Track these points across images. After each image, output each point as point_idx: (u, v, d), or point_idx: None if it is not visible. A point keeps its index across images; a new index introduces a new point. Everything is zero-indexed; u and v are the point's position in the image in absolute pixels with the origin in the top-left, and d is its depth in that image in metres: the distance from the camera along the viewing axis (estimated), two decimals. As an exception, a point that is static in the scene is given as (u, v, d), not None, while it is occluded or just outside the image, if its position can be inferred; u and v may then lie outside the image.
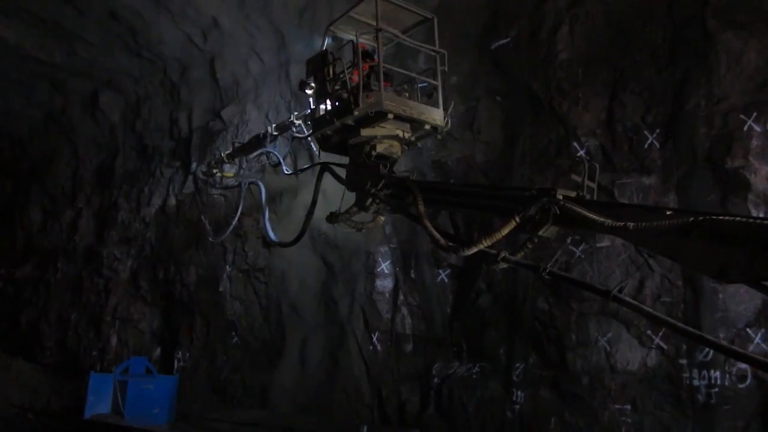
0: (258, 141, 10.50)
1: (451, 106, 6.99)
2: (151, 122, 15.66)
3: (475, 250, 4.85)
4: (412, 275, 10.20)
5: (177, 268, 13.84)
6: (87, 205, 16.91)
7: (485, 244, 4.79)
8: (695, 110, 7.71)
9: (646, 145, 8.12)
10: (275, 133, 10.27)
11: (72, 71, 15.36)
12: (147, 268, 14.68)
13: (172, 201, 14.63)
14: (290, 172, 10.43)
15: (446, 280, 9.86)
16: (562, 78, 9.16)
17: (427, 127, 6.74)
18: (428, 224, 5.30)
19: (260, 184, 10.53)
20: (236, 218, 10.95)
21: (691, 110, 7.75)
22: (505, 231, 4.71)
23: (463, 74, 10.15)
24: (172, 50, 14.15)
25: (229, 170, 12.19)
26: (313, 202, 7.80)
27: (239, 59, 13.69)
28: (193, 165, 14.29)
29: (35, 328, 16.40)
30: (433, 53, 6.88)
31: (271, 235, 9.13)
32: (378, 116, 6.29)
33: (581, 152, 8.75)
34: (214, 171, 11.86)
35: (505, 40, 9.97)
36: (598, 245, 8.17)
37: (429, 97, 7.05)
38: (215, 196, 13.39)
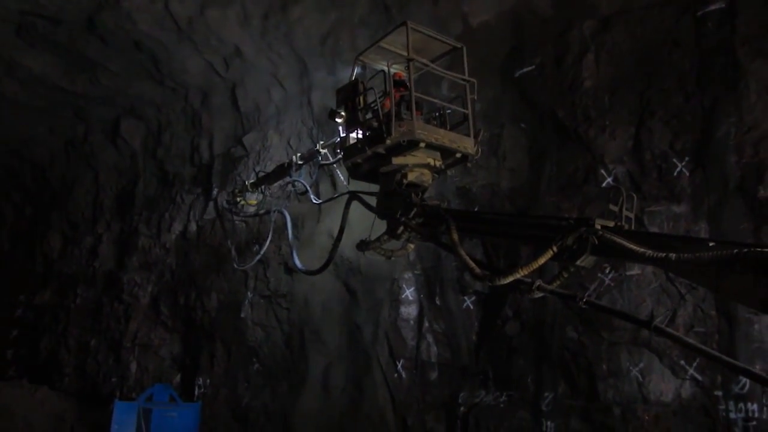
0: (282, 170, 10.63)
1: (481, 133, 7.02)
2: (172, 149, 15.96)
3: (511, 279, 4.86)
4: (437, 302, 10.21)
5: (198, 293, 13.94)
6: (107, 231, 17.17)
7: (522, 274, 4.79)
8: (725, 138, 7.74)
9: (675, 173, 8.15)
10: (300, 162, 10.38)
11: (94, 99, 15.72)
12: (167, 294, 14.81)
13: (193, 227, 14.81)
14: (319, 201, 10.53)
15: (472, 306, 9.85)
16: (588, 105, 9.24)
17: (458, 155, 6.80)
18: (463, 253, 5.32)
19: (285, 212, 10.62)
20: (266, 245, 11.07)
21: (721, 138, 7.77)
22: (543, 260, 4.71)
23: (488, 101, 10.27)
24: (194, 78, 14.45)
25: (251, 198, 12.19)
26: (341, 230, 7.82)
27: (261, 86, 13.95)
28: (214, 191, 14.48)
29: (54, 355, 16.52)
30: (462, 82, 6.94)
31: (298, 263, 9.15)
32: (410, 145, 6.37)
33: (609, 179, 8.79)
34: (238, 199, 12.00)
35: (529, 68, 10.09)
36: (628, 273, 8.14)
37: (458, 125, 7.12)
38: (237, 222, 13.51)
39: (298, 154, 10.40)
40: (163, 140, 16.17)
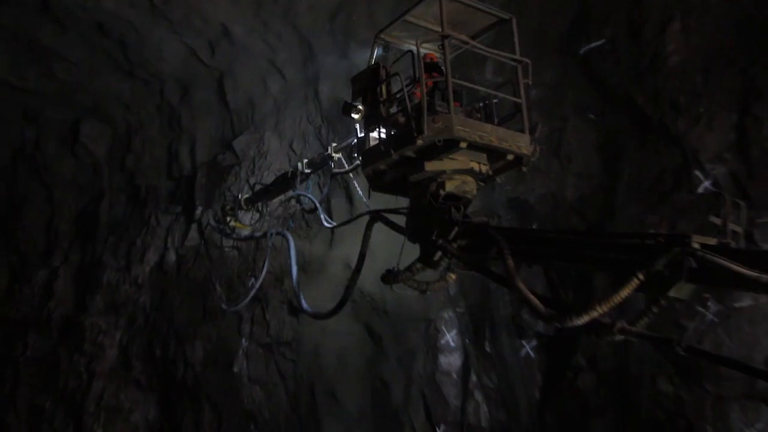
0: (284, 181, 10.63)
1: (539, 128, 6.97)
2: (144, 157, 16.12)
3: (587, 319, 4.69)
4: (487, 348, 10.16)
5: (179, 342, 13.99)
6: (64, 264, 17.30)
7: (600, 311, 4.63)
8: None
9: (794, 173, 8.03)
10: (307, 171, 10.34)
11: (48, 97, 16.05)
12: (140, 343, 14.86)
13: (172, 256, 14.90)
14: (332, 224, 10.32)
15: (532, 354, 9.78)
16: (675, 88, 9.18)
17: (510, 157, 6.71)
18: (522, 286, 5.18)
19: (288, 235, 10.41)
20: (260, 280, 10.96)
21: None
22: (626, 292, 4.55)
23: (546, 87, 10.24)
24: (171, 67, 14.69)
25: (244, 218, 12.26)
26: (361, 258, 7.66)
27: (255, 76, 14.12)
28: (198, 210, 14.57)
29: (1, 422, 16.62)
30: (512, 63, 6.89)
31: (304, 303, 9.06)
32: (447, 145, 6.24)
33: (706, 183, 8.66)
34: (228, 219, 12.02)
35: (597, 42, 10.08)
36: (736, 305, 8.00)
37: (508, 118, 7.03)
38: (226, 249, 13.60)
39: (304, 161, 10.39)
40: (133, 147, 16.35)
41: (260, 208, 11.75)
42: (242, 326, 12.99)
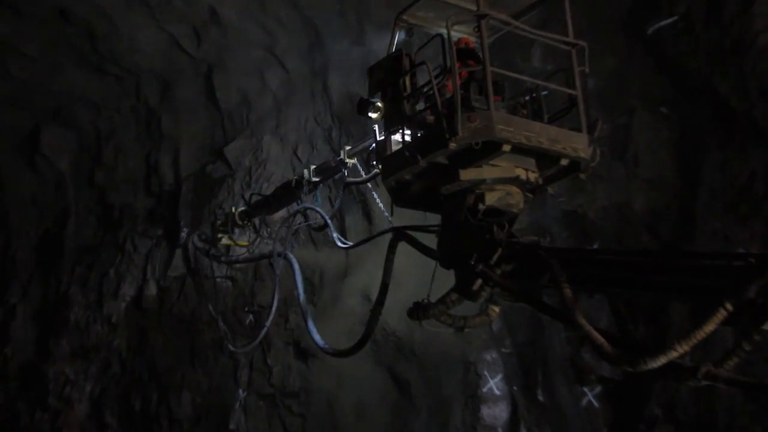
0: (288, 192, 10.64)
1: (599, 126, 6.82)
2: (117, 170, 16.16)
3: (664, 361, 4.67)
4: (540, 397, 10.14)
5: (162, 394, 13.94)
6: (23, 300, 17.33)
7: (680, 351, 4.59)
8: None
9: None
10: (315, 179, 10.34)
11: (0, 99, 15.99)
12: (116, 396, 14.83)
13: (152, 289, 14.88)
14: (348, 244, 10.11)
15: (596, 403, 9.71)
16: (765, 74, 9.08)
17: (564, 161, 6.63)
18: (583, 320, 5.15)
19: (292, 258, 10.48)
20: (272, 314, 10.93)
21: None
22: (711, 327, 4.47)
23: (607, 75, 10.22)
24: (148, 61, 14.77)
25: (240, 237, 12.31)
26: (384, 287, 7.63)
27: (250, 69, 14.16)
28: (183, 233, 14.54)
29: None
30: (565, 47, 6.80)
31: (317, 338, 9.03)
32: (487, 149, 6.15)
33: (808, 190, 8.61)
34: (219, 236, 12.05)
35: (669, 20, 10.05)
36: None
37: (561, 114, 6.96)
38: (219, 279, 13.56)
39: (312, 167, 10.41)
40: (104, 157, 16.43)
41: (257, 227, 11.81)
42: (239, 373, 12.90)
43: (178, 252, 14.57)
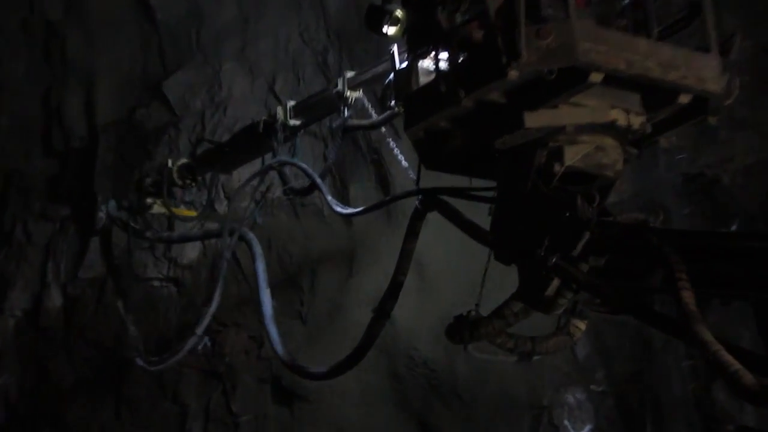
0: (253, 138, 9.14)
1: (736, 44, 5.42)
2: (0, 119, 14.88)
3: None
4: (650, 458, 9.57)
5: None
6: None
7: None
8: None
9: None
10: (295, 123, 8.75)
11: None
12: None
13: (55, 299, 12.97)
14: (348, 210, 8.92)
15: (735, 468, 9.21)
16: None
17: (684, 99, 5.28)
18: (712, 338, 3.83)
19: (252, 239, 9.13)
20: (211, 311, 9.19)
21: None
22: None
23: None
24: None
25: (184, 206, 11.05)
26: (399, 272, 6.37)
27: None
28: (102, 212, 12.20)
29: None
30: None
31: (279, 348, 7.70)
32: (566, 80, 4.96)
33: None
34: (148, 202, 10.50)
35: None
36: None
37: (678, 27, 5.56)
38: (156, 283, 11.76)
39: (290, 104, 8.97)
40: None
41: (212, 189, 10.50)
42: (188, 426, 11.07)
43: (95, 241, 12.50)
